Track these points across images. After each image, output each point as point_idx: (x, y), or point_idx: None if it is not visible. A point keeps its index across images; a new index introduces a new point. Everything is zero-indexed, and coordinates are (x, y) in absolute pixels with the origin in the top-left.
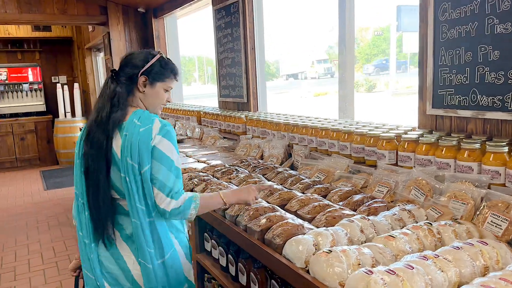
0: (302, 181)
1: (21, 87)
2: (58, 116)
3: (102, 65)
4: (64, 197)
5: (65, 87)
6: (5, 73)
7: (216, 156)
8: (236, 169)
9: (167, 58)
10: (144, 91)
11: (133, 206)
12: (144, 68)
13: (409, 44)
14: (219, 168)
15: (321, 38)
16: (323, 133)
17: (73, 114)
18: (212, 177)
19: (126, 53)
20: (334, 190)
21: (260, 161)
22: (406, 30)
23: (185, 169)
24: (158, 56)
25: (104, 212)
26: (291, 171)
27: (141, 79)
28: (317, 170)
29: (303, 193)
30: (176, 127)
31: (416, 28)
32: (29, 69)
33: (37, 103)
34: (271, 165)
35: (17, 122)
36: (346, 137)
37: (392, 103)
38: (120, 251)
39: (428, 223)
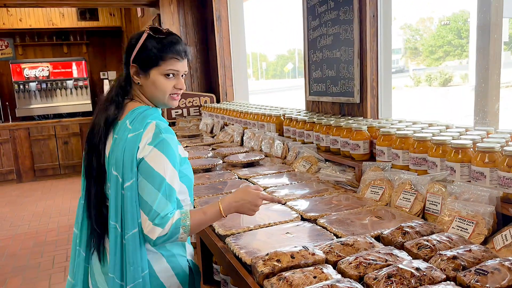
0: None
1: (65, 84)
2: None
3: None
4: None
5: None
6: (48, 68)
7: (327, 203)
8: (428, 278)
9: (165, 31)
10: (139, 82)
11: (109, 222)
12: (134, 54)
13: None
14: (376, 260)
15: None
16: None
17: None
18: None
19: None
20: None
21: (451, 237)
22: None
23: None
24: (145, 34)
25: (96, 222)
26: None
27: (132, 68)
28: None
29: None
30: (244, 137)
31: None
32: (74, 64)
33: (82, 102)
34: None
35: (60, 124)
36: None
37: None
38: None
39: None
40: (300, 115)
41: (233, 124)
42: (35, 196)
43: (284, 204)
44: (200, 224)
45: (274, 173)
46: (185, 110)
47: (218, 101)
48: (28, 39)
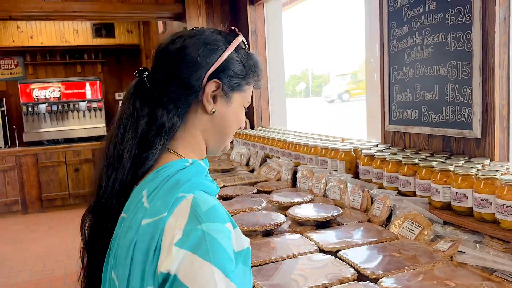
0: None
1: (77, 106)
2: None
3: None
4: None
5: None
6: (59, 89)
7: None
8: None
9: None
10: (214, 111)
11: None
12: (215, 66)
13: None
14: None
15: None
16: None
17: None
18: None
19: (168, 36)
20: None
21: None
22: None
23: None
24: (236, 41)
25: None
26: None
27: (210, 86)
28: None
29: None
30: (297, 176)
31: None
32: (87, 84)
33: (96, 125)
34: None
35: (71, 149)
36: None
37: None
38: None
39: None
40: (383, 151)
41: (278, 157)
42: (40, 232)
43: None
44: None
45: (372, 242)
46: None
47: (252, 127)
48: (40, 58)
